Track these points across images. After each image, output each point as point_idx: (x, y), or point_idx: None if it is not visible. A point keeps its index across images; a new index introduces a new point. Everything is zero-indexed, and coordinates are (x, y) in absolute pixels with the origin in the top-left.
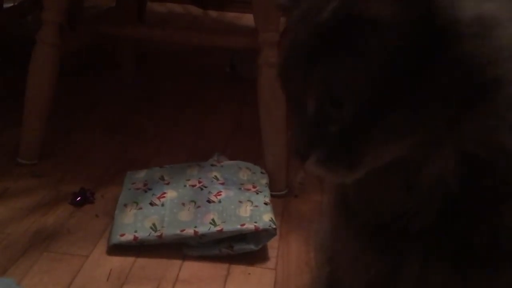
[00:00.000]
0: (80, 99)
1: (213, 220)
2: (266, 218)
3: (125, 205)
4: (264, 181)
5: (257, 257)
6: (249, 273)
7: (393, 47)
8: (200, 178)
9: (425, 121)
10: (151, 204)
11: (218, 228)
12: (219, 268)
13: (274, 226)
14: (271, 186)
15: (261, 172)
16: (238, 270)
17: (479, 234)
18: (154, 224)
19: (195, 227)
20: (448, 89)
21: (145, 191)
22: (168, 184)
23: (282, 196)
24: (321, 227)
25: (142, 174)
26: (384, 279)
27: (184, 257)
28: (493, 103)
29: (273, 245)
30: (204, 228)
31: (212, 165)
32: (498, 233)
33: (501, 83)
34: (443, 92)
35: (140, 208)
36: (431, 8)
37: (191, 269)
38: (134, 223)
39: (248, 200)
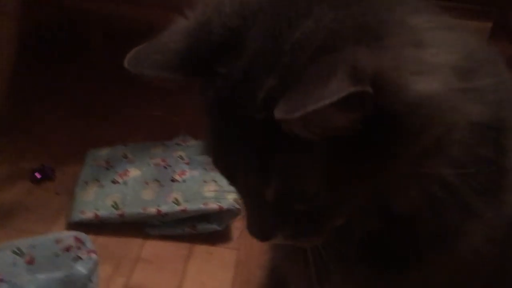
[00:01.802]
0: (43, 77)
1: (176, 199)
2: (230, 198)
3: (86, 182)
4: None
5: (219, 237)
6: (211, 253)
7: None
8: (164, 157)
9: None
10: (113, 182)
11: (181, 207)
12: (181, 248)
13: (238, 206)
14: None
15: None
16: (200, 249)
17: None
18: (115, 203)
19: (158, 206)
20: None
21: (107, 169)
22: (131, 162)
23: None
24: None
25: (104, 151)
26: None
27: (146, 236)
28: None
29: (236, 226)
30: (167, 207)
31: (177, 144)
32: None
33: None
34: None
35: (102, 186)
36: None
37: (153, 248)
38: (95, 201)
39: (213, 180)
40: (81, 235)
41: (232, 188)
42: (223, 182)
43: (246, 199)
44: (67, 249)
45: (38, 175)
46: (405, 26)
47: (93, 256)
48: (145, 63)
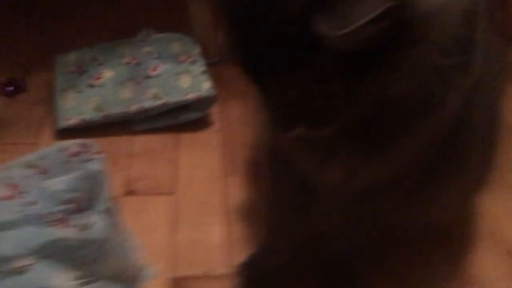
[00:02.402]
0: None
1: (156, 94)
2: (206, 85)
3: (63, 90)
4: (197, 50)
5: (201, 123)
6: (197, 139)
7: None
8: (133, 55)
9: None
10: (90, 86)
11: (162, 101)
12: (169, 138)
13: (215, 93)
14: (203, 54)
15: (192, 43)
16: (187, 136)
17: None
18: (98, 105)
19: (140, 102)
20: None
21: (81, 73)
22: (102, 64)
23: (214, 63)
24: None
25: (72, 56)
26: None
27: (133, 133)
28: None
29: (214, 110)
30: (148, 103)
31: (142, 40)
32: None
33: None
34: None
35: (80, 91)
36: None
37: (143, 142)
38: (77, 107)
39: (186, 71)
40: (84, 141)
41: (206, 77)
42: (196, 71)
43: (268, 98)
44: (75, 154)
45: (10, 88)
46: None
47: (102, 155)
48: None
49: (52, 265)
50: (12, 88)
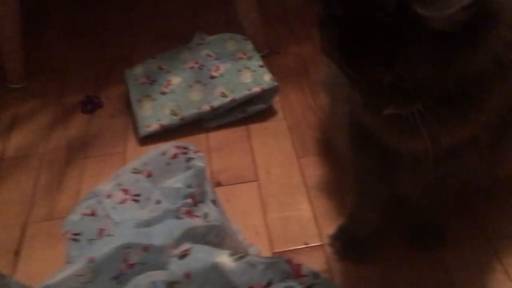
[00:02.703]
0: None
1: (222, 92)
2: (266, 78)
3: (139, 101)
4: (250, 46)
5: (268, 114)
6: (266, 128)
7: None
8: (195, 59)
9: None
10: (162, 93)
11: (229, 98)
12: (240, 131)
13: (276, 84)
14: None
15: (244, 39)
16: (256, 127)
17: None
18: (172, 110)
19: (209, 102)
20: None
21: (151, 84)
22: (168, 72)
23: (266, 55)
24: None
25: (139, 69)
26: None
27: (206, 131)
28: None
29: (275, 100)
30: (217, 101)
31: (198, 44)
32: None
33: None
34: None
35: (155, 100)
36: None
37: (217, 138)
38: (155, 114)
39: (245, 67)
40: (180, 143)
41: (264, 70)
42: (254, 66)
43: (360, 84)
44: (175, 156)
45: (88, 106)
46: None
47: (200, 153)
48: None
49: (205, 247)
50: (90, 105)
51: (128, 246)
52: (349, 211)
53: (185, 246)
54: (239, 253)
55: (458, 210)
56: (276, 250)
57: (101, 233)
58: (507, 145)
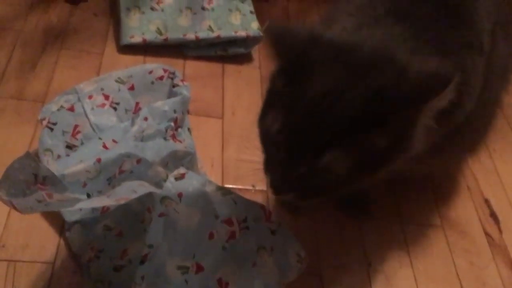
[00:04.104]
0: None
1: (210, 26)
2: (254, 26)
3: (128, 9)
4: None
5: (245, 58)
6: (240, 71)
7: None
8: None
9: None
10: (152, 9)
11: (215, 34)
12: (215, 67)
13: (262, 34)
14: None
15: None
16: (231, 68)
17: None
18: (158, 28)
19: (196, 32)
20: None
21: None
22: None
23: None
24: None
25: None
26: None
27: (185, 57)
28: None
29: (257, 49)
30: (203, 34)
31: None
32: None
33: None
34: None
35: (143, 13)
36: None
37: (193, 67)
38: (140, 27)
39: (237, 9)
40: (169, 67)
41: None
42: (245, 10)
43: (280, 163)
44: (160, 78)
45: None
46: None
47: (186, 83)
48: None
49: (198, 176)
50: None
51: (127, 155)
52: None
53: (181, 170)
54: (225, 188)
55: (384, 194)
56: (226, 185)
57: (75, 129)
58: (447, 149)
